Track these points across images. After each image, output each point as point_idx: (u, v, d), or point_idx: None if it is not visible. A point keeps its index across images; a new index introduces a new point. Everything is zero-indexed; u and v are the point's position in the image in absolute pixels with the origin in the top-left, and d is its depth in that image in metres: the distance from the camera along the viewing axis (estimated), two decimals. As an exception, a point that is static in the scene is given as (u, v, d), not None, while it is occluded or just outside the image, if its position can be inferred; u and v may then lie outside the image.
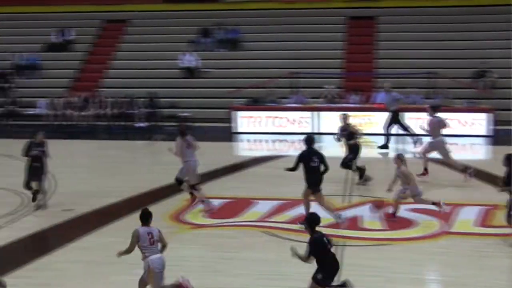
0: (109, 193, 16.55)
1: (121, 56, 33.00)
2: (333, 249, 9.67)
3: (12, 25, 35.53)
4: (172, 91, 29.75)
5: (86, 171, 20.56)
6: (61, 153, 24.25)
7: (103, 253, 12.31)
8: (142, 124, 27.07)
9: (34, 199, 15.50)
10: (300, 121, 25.53)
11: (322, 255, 9.44)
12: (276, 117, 25.95)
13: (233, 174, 19.30)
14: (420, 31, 31.58)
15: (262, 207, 14.94)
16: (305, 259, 9.49)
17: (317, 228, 9.55)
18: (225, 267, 11.53)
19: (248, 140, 25.37)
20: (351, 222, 14.06)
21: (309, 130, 24.74)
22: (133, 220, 14.62)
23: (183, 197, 15.78)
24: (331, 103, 26.39)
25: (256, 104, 27.07)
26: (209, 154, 22.90)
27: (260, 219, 14.36)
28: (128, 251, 9.78)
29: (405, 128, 22.75)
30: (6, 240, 13.26)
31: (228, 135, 25.71)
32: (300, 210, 14.58)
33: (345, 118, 17.85)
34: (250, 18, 33.46)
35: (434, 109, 18.15)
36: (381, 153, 21.96)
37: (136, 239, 9.63)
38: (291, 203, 15.19)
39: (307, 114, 25.71)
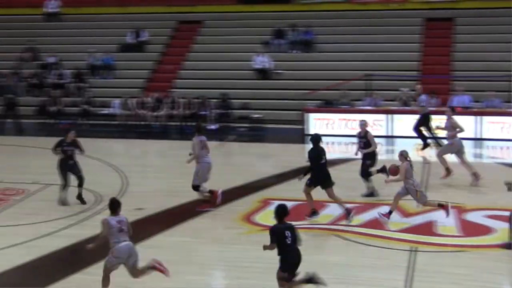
0: (179, 193, 16.54)
1: (194, 57, 33.13)
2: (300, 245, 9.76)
3: (87, 26, 36.02)
4: (244, 92, 29.68)
5: (158, 171, 20.66)
6: (133, 152, 24.63)
7: (177, 252, 12.31)
8: (213, 127, 26.92)
9: (63, 200, 15.89)
10: (373, 123, 25.04)
11: (281, 247, 9.65)
12: (349, 120, 25.55)
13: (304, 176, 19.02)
14: (498, 32, 30.71)
15: (333, 210, 14.68)
16: (270, 246, 9.77)
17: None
18: (294, 270, 11.31)
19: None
20: (425, 227, 13.73)
21: (382, 133, 24.38)
22: (203, 220, 14.64)
23: (255, 199, 15.63)
24: (405, 106, 25.86)
25: (329, 106, 26.73)
26: (280, 156, 22.88)
27: (332, 222, 14.15)
28: (100, 240, 10.24)
29: (421, 134, 22.27)
30: (77, 237, 13.36)
31: (300, 137, 25.45)
32: (373, 214, 14.35)
33: (364, 125, 16.76)
34: (324, 19, 33.13)
35: (453, 111, 17.76)
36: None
37: (107, 228, 10.00)
38: (363, 207, 14.96)
39: (381, 116, 25.19)
